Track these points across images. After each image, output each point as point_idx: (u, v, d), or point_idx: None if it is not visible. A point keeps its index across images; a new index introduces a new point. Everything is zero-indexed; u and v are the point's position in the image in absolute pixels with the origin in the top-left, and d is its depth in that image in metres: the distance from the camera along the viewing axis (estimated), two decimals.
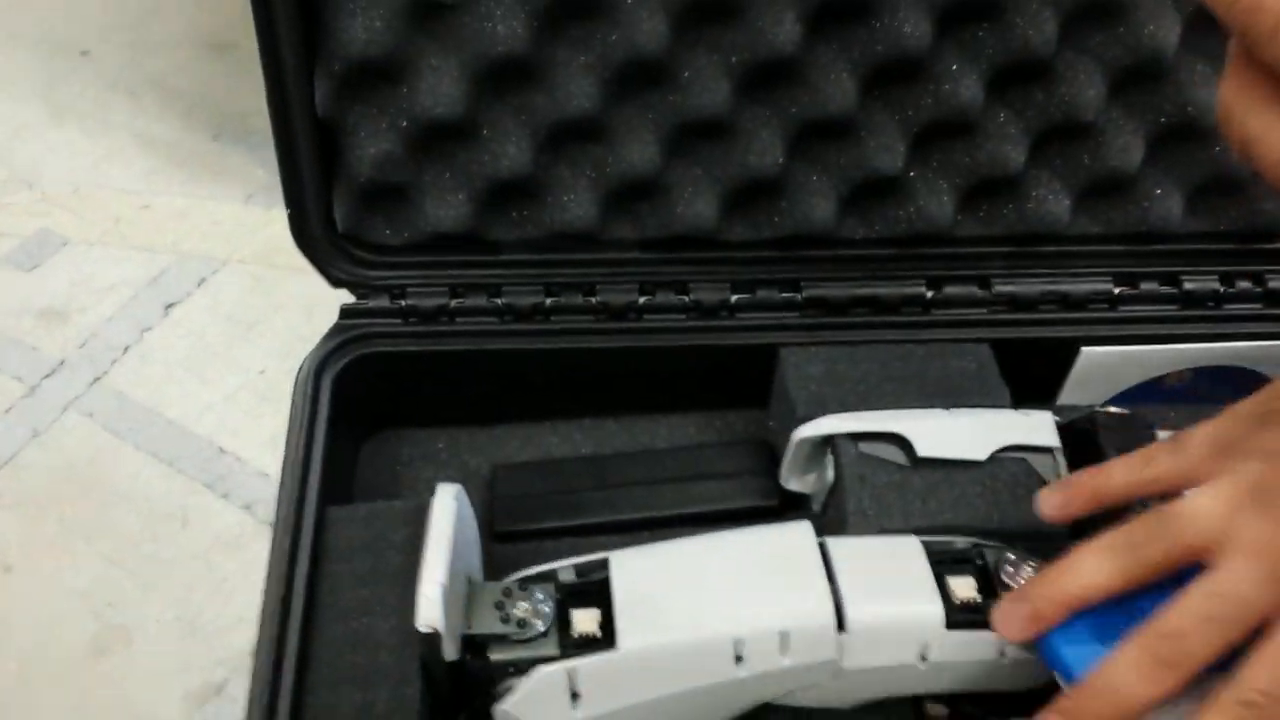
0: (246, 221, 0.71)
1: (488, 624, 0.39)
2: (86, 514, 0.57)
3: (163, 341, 0.65)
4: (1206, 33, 0.47)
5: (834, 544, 0.41)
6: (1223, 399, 0.54)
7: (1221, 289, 0.52)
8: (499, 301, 0.48)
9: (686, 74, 0.45)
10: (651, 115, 0.46)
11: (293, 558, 0.40)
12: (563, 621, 0.40)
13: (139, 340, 0.65)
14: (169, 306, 0.66)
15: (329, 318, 0.48)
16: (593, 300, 0.49)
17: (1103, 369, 0.53)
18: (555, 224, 0.48)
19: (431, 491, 0.42)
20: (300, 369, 0.46)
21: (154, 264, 0.69)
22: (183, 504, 0.57)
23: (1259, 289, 0.52)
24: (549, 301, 0.49)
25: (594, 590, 0.40)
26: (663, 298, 0.49)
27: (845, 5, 0.44)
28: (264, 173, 0.72)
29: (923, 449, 0.44)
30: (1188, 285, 0.52)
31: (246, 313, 0.66)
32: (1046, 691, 0.37)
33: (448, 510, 0.41)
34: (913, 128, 0.47)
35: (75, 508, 0.57)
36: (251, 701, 0.36)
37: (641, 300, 0.49)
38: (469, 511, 0.43)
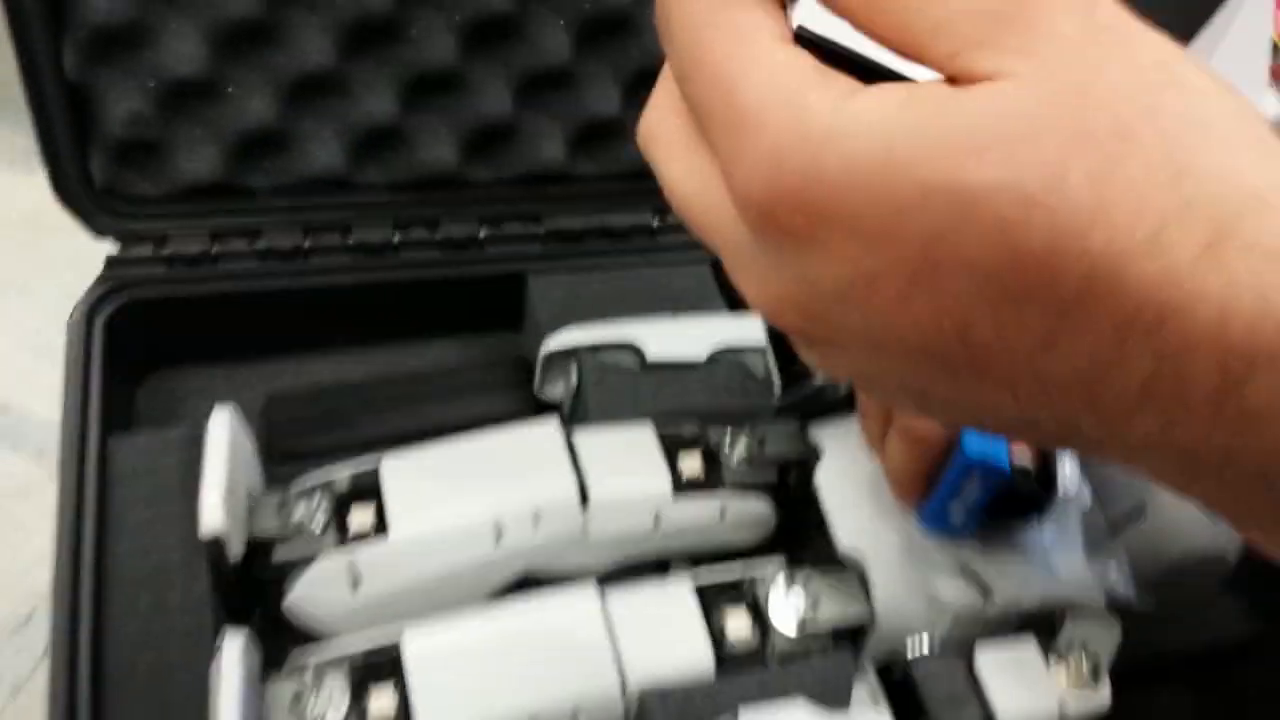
0: (5, 188, 0.71)
1: (269, 529, 0.44)
2: None
3: None
4: None
5: (578, 434, 0.48)
6: None
7: None
8: (260, 245, 0.52)
9: (414, 31, 0.50)
10: (386, 70, 0.51)
11: (80, 486, 0.43)
12: (340, 521, 0.44)
13: None
14: None
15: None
16: (349, 241, 0.53)
17: None
18: (306, 171, 0.52)
19: (204, 413, 0.45)
20: (71, 315, 0.48)
21: None
22: None
23: None
24: (307, 243, 0.53)
25: (367, 490, 0.45)
26: (416, 234, 0.54)
27: None
28: (22, 139, 0.72)
29: (651, 354, 0.51)
30: None
31: (15, 275, 0.66)
32: None
33: (222, 426, 0.45)
34: (623, 75, 0.54)
35: None
36: (56, 611, 0.39)
37: (396, 238, 0.54)
38: (244, 431, 0.47)
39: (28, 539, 0.55)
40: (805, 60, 0.23)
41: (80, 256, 0.64)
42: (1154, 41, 0.22)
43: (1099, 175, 0.20)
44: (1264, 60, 0.36)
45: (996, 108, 0.21)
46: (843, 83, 0.22)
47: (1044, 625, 0.47)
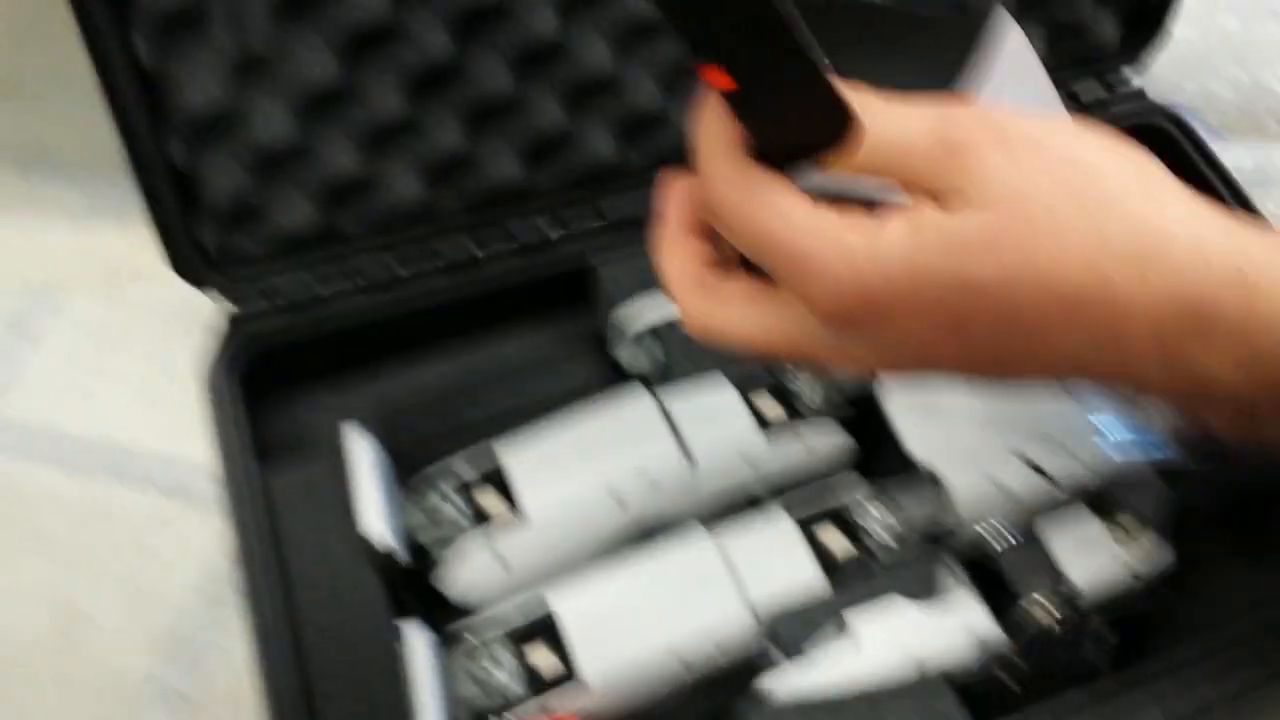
0: (78, 246, 0.76)
1: (422, 526, 0.51)
2: (17, 531, 0.62)
3: (40, 373, 0.70)
4: None
5: (666, 398, 0.54)
6: None
7: None
8: (359, 282, 0.58)
9: (472, 67, 0.55)
10: (450, 106, 0.56)
11: (247, 511, 0.50)
12: (476, 509, 0.51)
13: (17, 377, 0.70)
14: (36, 338, 0.71)
15: (183, 322, 0.54)
16: (437, 264, 0.59)
17: None
18: (390, 207, 0.58)
19: (337, 435, 0.52)
20: (209, 371, 0.55)
21: (6, 303, 0.74)
22: (105, 500, 0.63)
23: None
24: (401, 271, 0.59)
25: (489, 477, 0.51)
26: (494, 247, 0.60)
27: None
28: (78, 195, 0.77)
29: None
30: None
31: (109, 330, 0.72)
32: None
33: (359, 444, 0.52)
34: (659, 72, 0.59)
35: (3, 531, 0.62)
36: (252, 619, 0.46)
37: (479, 253, 0.60)
38: (375, 444, 0.53)
39: (171, 567, 0.61)
40: (830, 212, 0.33)
41: (162, 306, 0.70)
42: (1056, 139, 0.34)
43: (1051, 249, 0.32)
44: (1043, 77, 0.41)
45: (970, 226, 0.32)
46: (863, 221, 0.33)
47: (1098, 496, 0.52)
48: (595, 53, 0.57)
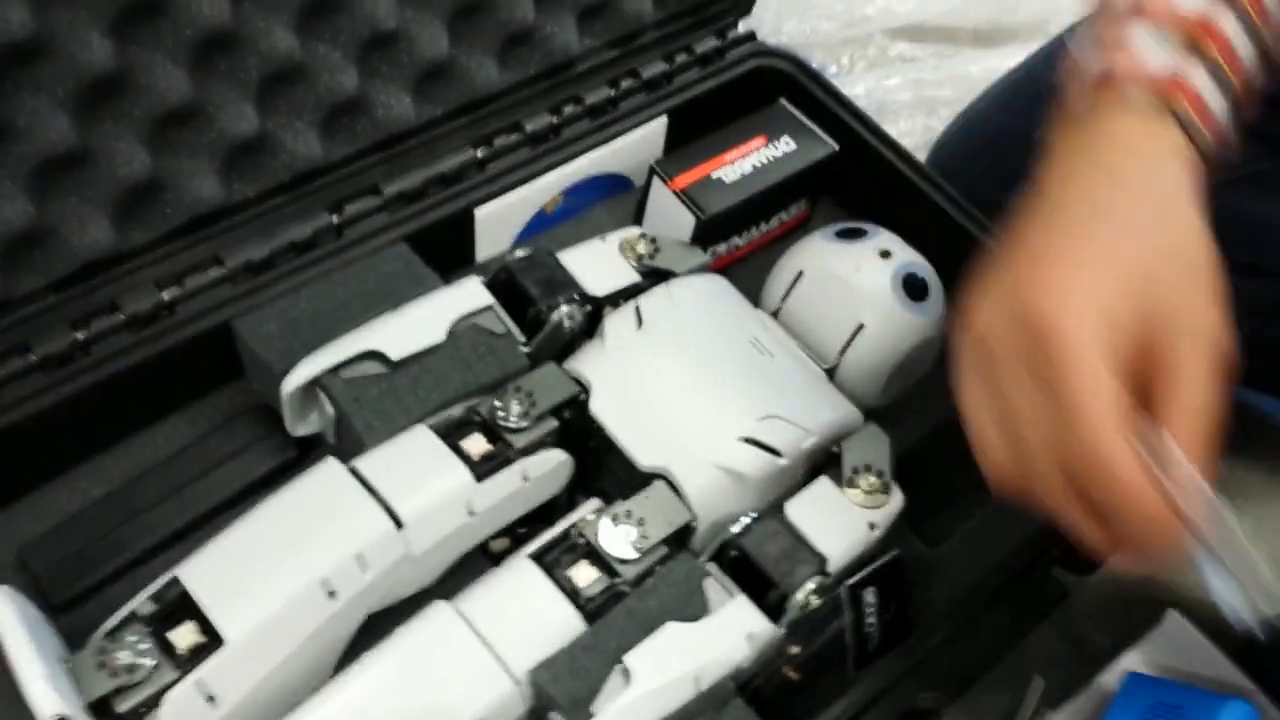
0: None
1: (102, 685, 0.41)
2: None
3: None
4: None
5: (361, 464, 0.47)
6: (592, 203, 0.66)
7: (554, 120, 0.62)
8: None
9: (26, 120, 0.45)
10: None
11: None
12: (166, 646, 0.42)
13: None
14: None
15: None
16: (31, 359, 0.48)
17: (496, 220, 0.61)
18: None
19: None
20: None
21: None
22: None
23: (580, 108, 0.63)
24: None
25: (179, 607, 0.43)
26: (97, 326, 0.50)
27: None
28: None
29: (394, 353, 0.50)
30: (528, 127, 0.61)
31: None
32: None
33: (7, 606, 0.41)
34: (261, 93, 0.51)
35: None
36: None
37: (80, 336, 0.49)
38: (22, 599, 0.43)
39: None
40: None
41: None
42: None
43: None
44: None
45: None
46: None
47: (832, 461, 0.52)
48: (173, 79, 0.48)
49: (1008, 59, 0.80)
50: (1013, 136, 0.55)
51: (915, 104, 0.81)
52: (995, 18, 0.88)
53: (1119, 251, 0.38)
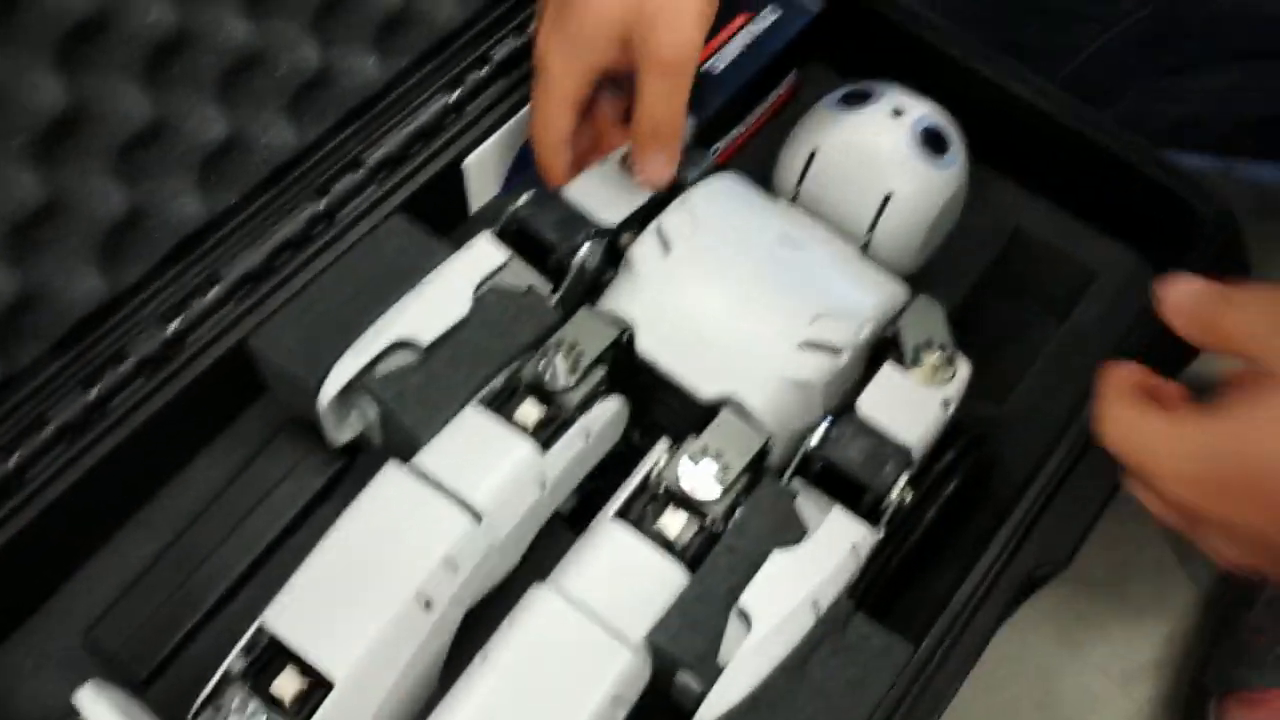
0: None
1: None
2: None
3: None
4: None
5: (422, 460, 0.45)
6: None
7: (522, 43, 0.58)
8: None
9: None
10: None
11: None
12: (271, 700, 0.40)
13: None
14: None
15: None
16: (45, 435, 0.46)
17: (484, 166, 0.58)
18: None
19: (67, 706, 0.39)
20: None
21: None
22: None
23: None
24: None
25: (274, 655, 0.41)
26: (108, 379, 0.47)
27: None
28: None
29: (425, 338, 0.47)
30: (496, 56, 0.57)
31: None
32: None
33: (100, 705, 0.39)
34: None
35: None
36: None
37: (94, 395, 0.47)
38: (110, 689, 0.41)
39: None
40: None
41: None
42: None
43: None
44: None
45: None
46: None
47: (891, 344, 0.50)
48: (131, 101, 0.44)
49: None
50: None
51: None
52: None
53: None
